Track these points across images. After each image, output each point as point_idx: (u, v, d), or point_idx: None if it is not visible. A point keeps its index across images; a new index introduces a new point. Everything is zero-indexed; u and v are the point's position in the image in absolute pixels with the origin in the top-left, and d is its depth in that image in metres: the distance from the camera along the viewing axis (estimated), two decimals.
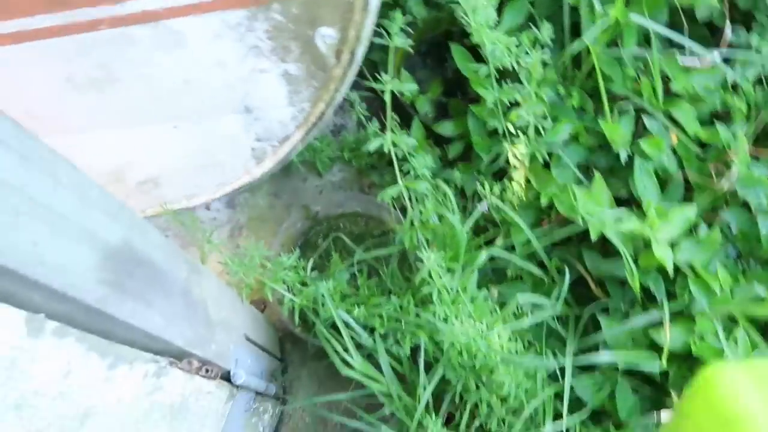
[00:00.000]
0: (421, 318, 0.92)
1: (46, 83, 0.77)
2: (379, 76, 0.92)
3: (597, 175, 0.91)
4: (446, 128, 1.19)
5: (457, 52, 1.13)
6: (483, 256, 0.93)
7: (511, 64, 0.97)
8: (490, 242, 1.05)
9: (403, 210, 1.06)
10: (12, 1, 0.64)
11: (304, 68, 0.76)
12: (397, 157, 0.99)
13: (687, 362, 0.88)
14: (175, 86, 0.78)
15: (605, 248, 0.99)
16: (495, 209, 1.05)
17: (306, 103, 0.82)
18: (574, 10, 1.05)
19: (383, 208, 1.22)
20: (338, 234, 1.17)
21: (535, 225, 1.03)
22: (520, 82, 0.99)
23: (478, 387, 0.91)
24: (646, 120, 0.94)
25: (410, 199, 1.01)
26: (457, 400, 0.93)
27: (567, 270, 0.94)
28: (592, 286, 0.99)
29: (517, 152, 1.02)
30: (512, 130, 1.03)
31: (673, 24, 0.98)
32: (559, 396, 0.91)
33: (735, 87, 0.95)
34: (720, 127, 0.91)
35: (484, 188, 1.02)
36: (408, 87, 0.95)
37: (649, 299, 0.92)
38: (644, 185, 0.91)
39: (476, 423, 0.92)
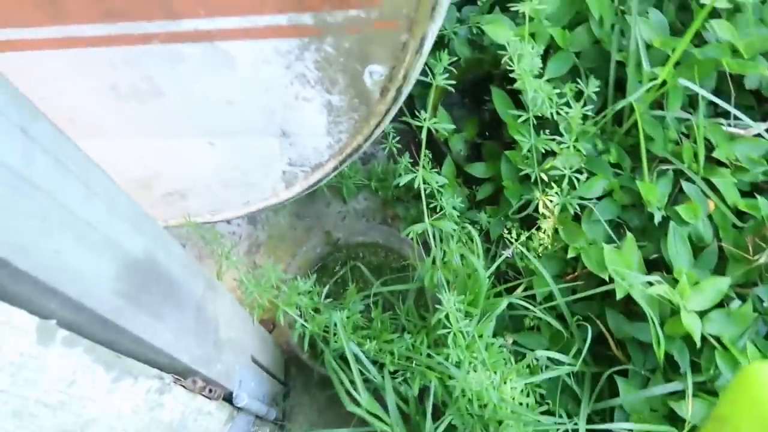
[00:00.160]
0: (433, 359, 0.90)
1: (90, 89, 0.77)
2: (416, 111, 0.92)
3: (629, 235, 0.89)
4: (478, 169, 1.18)
5: (497, 95, 1.13)
6: (504, 303, 0.91)
7: (551, 114, 0.96)
8: (510, 289, 1.03)
9: (425, 246, 1.04)
10: (70, 8, 0.65)
11: (347, 101, 0.76)
12: (426, 193, 0.98)
13: None
14: (216, 105, 0.79)
15: (629, 308, 0.96)
16: (519, 256, 1.03)
17: (344, 135, 0.82)
18: (621, 65, 1.04)
19: (405, 241, 1.20)
20: (357, 263, 1.15)
21: (559, 277, 1.01)
22: (559, 132, 0.98)
23: None
24: (684, 184, 0.92)
25: (434, 236, 1.00)
26: None
27: (589, 328, 0.92)
28: (613, 346, 0.95)
29: (548, 202, 1.00)
30: (545, 178, 1.02)
31: (720, 90, 0.97)
32: None
33: None
34: (761, 199, 0.88)
35: (510, 234, 1.00)
36: (445, 126, 0.95)
37: (671, 367, 0.89)
38: (677, 250, 0.88)
39: None
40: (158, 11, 0.68)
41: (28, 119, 0.48)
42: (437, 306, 0.84)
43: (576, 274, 1.00)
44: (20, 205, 0.45)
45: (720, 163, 0.94)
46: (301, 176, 0.90)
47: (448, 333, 0.85)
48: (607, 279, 0.90)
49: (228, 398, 0.87)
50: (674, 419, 0.86)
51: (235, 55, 0.72)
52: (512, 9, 1.00)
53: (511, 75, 0.97)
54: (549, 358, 0.92)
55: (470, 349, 0.86)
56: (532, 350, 0.91)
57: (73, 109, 0.81)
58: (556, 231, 1.02)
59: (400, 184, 0.94)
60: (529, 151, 1.02)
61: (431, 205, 1.00)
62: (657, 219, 0.91)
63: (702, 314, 0.82)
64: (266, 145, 0.85)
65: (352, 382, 0.87)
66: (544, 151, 1.01)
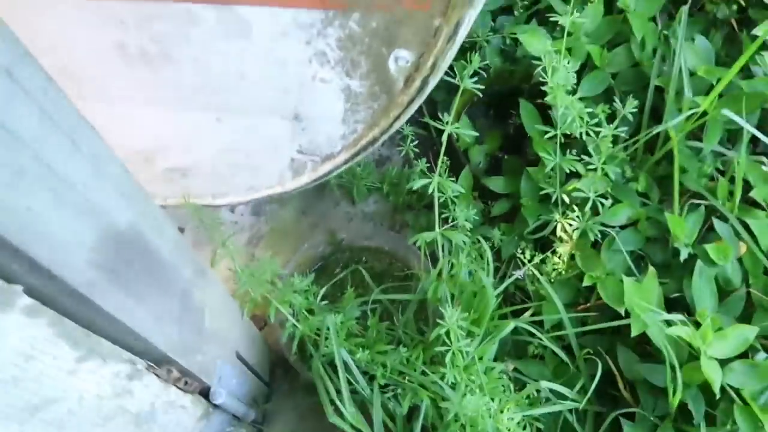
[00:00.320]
0: (428, 378, 0.84)
1: (94, 46, 0.73)
2: (438, 116, 0.87)
3: (651, 269, 0.83)
4: (496, 184, 1.13)
5: (525, 108, 1.08)
6: (509, 326, 0.85)
7: (580, 133, 0.91)
8: (517, 313, 0.97)
9: (432, 258, 0.99)
10: None
11: (367, 87, 0.71)
12: (439, 201, 0.93)
13: None
14: (228, 77, 0.74)
15: (641, 348, 0.90)
16: (530, 279, 0.97)
17: (360, 125, 0.77)
18: (658, 92, 0.99)
19: (411, 250, 1.15)
20: (359, 267, 1.10)
21: (570, 306, 0.95)
22: (586, 154, 0.93)
23: None
24: (716, 222, 0.86)
25: (443, 248, 0.94)
26: None
27: (599, 363, 0.86)
28: (621, 386, 0.89)
29: (567, 225, 0.95)
30: (566, 200, 0.96)
31: (762, 129, 0.91)
32: None
33: None
34: None
35: (524, 255, 0.95)
36: (467, 132, 0.90)
37: (683, 416, 0.83)
38: (701, 292, 0.82)
39: None
40: None
41: (15, 60, 0.44)
42: (438, 321, 0.79)
43: (589, 305, 0.95)
44: None
45: (756, 204, 0.89)
46: (309, 166, 0.85)
47: (447, 351, 0.79)
48: (622, 313, 0.85)
49: (205, 393, 0.81)
50: None
51: (252, 22, 0.66)
52: (551, 19, 0.95)
53: (542, 88, 0.92)
54: (552, 391, 0.86)
55: (468, 371, 0.80)
56: (535, 380, 0.85)
57: (76, 67, 0.76)
58: (572, 257, 0.96)
59: (414, 188, 0.89)
60: (552, 170, 0.97)
61: (443, 215, 0.95)
62: (683, 256, 0.85)
63: (723, 363, 0.76)
64: (277, 128, 0.79)
65: (339, 392, 0.81)
66: (568, 171, 0.95)
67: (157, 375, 0.68)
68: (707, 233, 0.90)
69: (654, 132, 0.91)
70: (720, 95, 0.89)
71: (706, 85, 0.94)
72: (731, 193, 0.87)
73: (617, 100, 0.92)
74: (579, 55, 1.03)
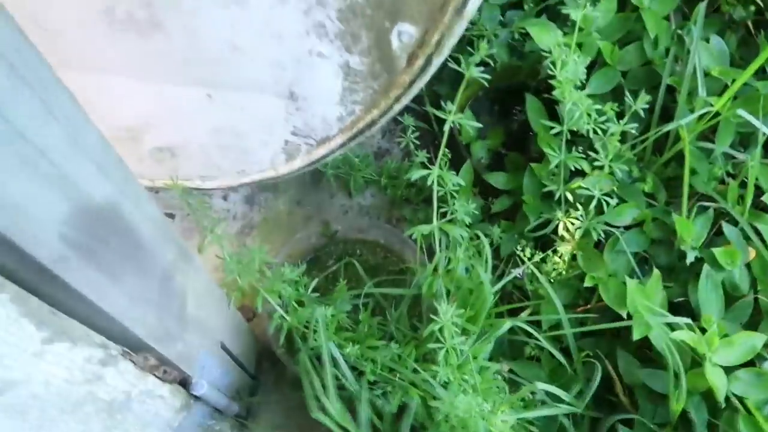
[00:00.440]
0: (419, 375, 0.81)
1: (79, 8, 0.69)
2: (441, 109, 0.83)
3: (656, 271, 0.80)
4: (498, 179, 1.09)
5: (531, 103, 1.04)
6: (506, 325, 0.82)
7: (587, 130, 0.88)
8: (514, 312, 0.94)
9: (429, 253, 0.96)
10: None
11: (368, 64, 0.67)
12: (438, 195, 0.90)
13: None
14: (221, 49, 0.70)
15: (642, 352, 0.87)
16: (530, 278, 0.94)
17: (358, 106, 0.73)
18: (669, 92, 0.95)
19: (407, 244, 1.11)
20: (352, 260, 1.06)
21: (570, 307, 0.92)
22: (594, 150, 0.90)
23: None
24: (725, 226, 0.83)
25: (440, 243, 0.91)
26: None
27: (597, 366, 0.83)
28: (620, 391, 0.86)
29: (569, 224, 0.91)
30: (570, 199, 0.93)
31: None
32: None
33: None
34: None
35: (524, 253, 0.91)
36: (470, 123, 0.86)
37: (683, 424, 0.79)
38: (707, 297, 0.79)
39: None
40: None
41: None
42: (432, 317, 0.75)
43: (589, 306, 0.91)
44: None
45: (766, 210, 0.85)
46: (304, 149, 0.81)
47: (440, 348, 0.75)
48: (624, 316, 0.81)
49: (186, 384, 0.78)
50: None
51: None
52: (563, 11, 0.92)
53: (550, 82, 0.89)
54: (548, 394, 0.83)
55: (462, 370, 0.77)
56: (531, 382, 0.82)
57: (58, 30, 0.72)
58: (573, 257, 0.93)
59: (413, 179, 0.86)
60: (556, 166, 0.93)
61: (442, 210, 0.92)
62: (689, 259, 0.82)
63: (728, 371, 0.73)
64: (270, 107, 0.75)
65: (325, 387, 0.78)
66: (573, 169, 0.92)
67: (132, 362, 0.64)
68: (715, 237, 0.87)
69: (664, 130, 0.88)
70: (735, 97, 0.86)
71: (719, 87, 0.91)
72: (742, 197, 0.84)
73: (628, 97, 0.89)
74: (589, 51, 1.00)
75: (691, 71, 0.91)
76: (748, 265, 0.83)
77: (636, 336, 0.76)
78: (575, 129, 0.89)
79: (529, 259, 0.91)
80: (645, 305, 0.75)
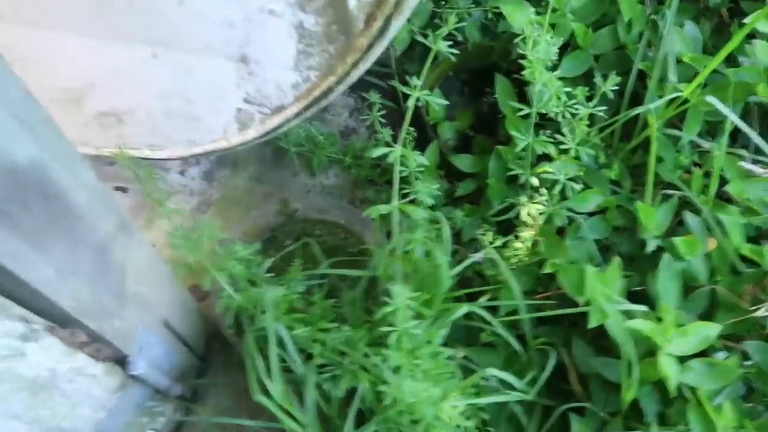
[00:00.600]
0: (369, 359, 0.78)
1: None
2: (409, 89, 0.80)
3: (617, 259, 0.78)
4: (463, 162, 1.07)
5: (501, 83, 1.02)
6: (462, 309, 0.80)
7: (556, 113, 0.86)
8: (473, 297, 0.92)
9: (390, 236, 0.93)
10: None
11: (323, 25, 0.63)
12: (401, 176, 0.87)
13: None
14: (166, 3, 0.64)
15: (598, 342, 0.86)
16: (489, 264, 0.92)
17: (314, 72, 0.68)
18: (640, 78, 0.94)
19: (367, 226, 1.08)
20: (310, 240, 1.03)
21: (529, 294, 0.90)
22: (561, 134, 0.88)
23: None
24: (687, 215, 0.82)
25: (400, 224, 0.88)
26: None
27: (551, 354, 0.81)
28: (573, 380, 0.85)
29: (533, 209, 0.89)
30: (535, 184, 0.91)
31: (743, 122, 0.87)
32: None
33: None
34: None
35: (485, 237, 0.89)
36: (437, 101, 0.83)
37: (634, 414, 0.79)
38: (666, 286, 0.78)
39: None
40: None
41: None
42: (386, 299, 0.72)
43: (548, 293, 0.90)
44: None
45: (730, 201, 0.84)
46: (258, 118, 0.77)
47: (393, 331, 0.73)
48: (581, 304, 0.80)
49: (124, 363, 0.74)
50: None
51: None
52: None
53: (521, 61, 0.86)
54: (501, 382, 0.81)
55: (414, 354, 0.74)
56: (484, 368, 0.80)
57: None
58: (535, 243, 0.91)
59: (374, 156, 0.83)
60: (524, 150, 0.91)
61: (404, 191, 0.89)
62: (650, 247, 0.81)
63: (682, 360, 0.72)
64: (220, 70, 0.71)
65: (269, 369, 0.74)
66: (540, 153, 0.90)
67: (59, 338, 0.60)
68: (677, 227, 0.86)
69: (633, 114, 0.86)
70: (705, 84, 0.85)
71: (691, 74, 0.90)
72: (706, 187, 0.83)
73: (598, 79, 0.87)
74: (562, 32, 0.98)
75: (663, 57, 0.90)
76: (707, 256, 0.82)
77: (592, 323, 0.75)
78: (544, 112, 0.87)
79: (490, 243, 0.89)
80: (603, 292, 0.73)
